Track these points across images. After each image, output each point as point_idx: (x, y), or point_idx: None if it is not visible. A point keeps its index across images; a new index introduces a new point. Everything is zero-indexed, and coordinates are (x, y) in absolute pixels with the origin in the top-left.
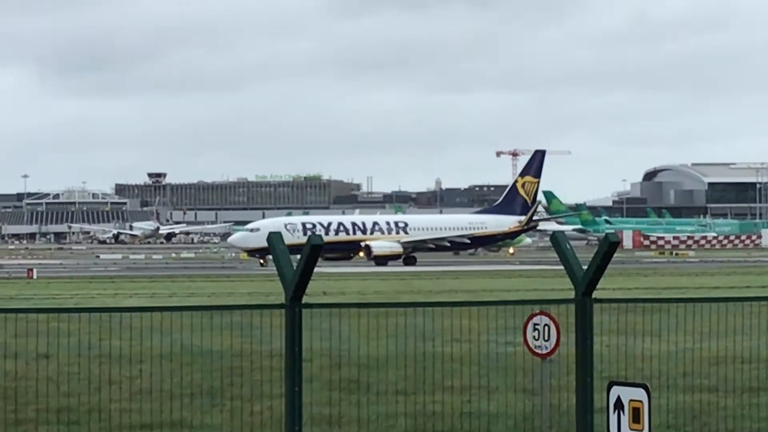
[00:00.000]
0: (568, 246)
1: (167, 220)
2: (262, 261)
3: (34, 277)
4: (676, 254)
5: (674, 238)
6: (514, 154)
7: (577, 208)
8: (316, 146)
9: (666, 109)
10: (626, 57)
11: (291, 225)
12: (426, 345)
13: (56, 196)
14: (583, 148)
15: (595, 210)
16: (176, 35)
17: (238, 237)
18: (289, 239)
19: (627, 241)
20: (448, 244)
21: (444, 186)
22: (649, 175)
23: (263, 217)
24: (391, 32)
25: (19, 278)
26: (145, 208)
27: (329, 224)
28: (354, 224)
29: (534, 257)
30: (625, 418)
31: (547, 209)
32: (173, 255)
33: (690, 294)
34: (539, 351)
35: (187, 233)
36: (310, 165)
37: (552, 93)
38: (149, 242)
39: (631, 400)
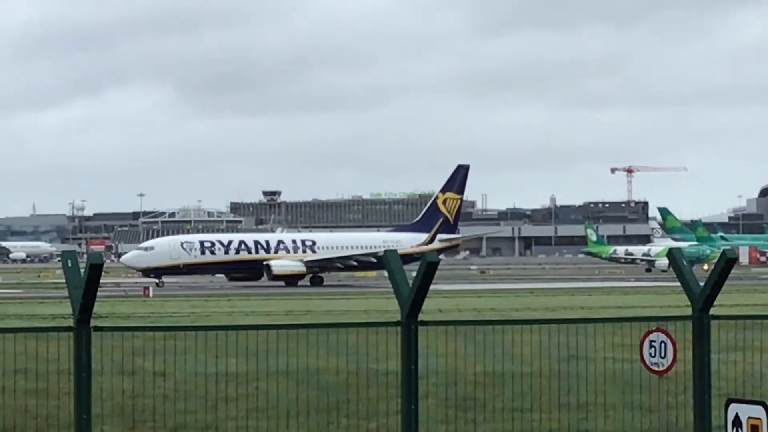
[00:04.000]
0: (684, 262)
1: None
2: (158, 281)
3: (150, 295)
4: None
5: None
6: (629, 171)
7: (693, 225)
8: (433, 164)
9: None
10: (747, 75)
11: (188, 243)
12: (542, 362)
13: (172, 214)
14: (699, 164)
15: (710, 226)
16: (312, 55)
17: (131, 256)
18: (186, 258)
19: (743, 257)
20: (355, 263)
21: (558, 203)
22: (766, 191)
23: None
24: (527, 51)
25: (135, 296)
26: (260, 227)
27: (230, 242)
28: (257, 243)
29: (649, 275)
30: None
31: (662, 225)
32: None
33: None
34: (656, 368)
35: None
36: (426, 182)
37: (672, 110)
38: None
39: (749, 418)
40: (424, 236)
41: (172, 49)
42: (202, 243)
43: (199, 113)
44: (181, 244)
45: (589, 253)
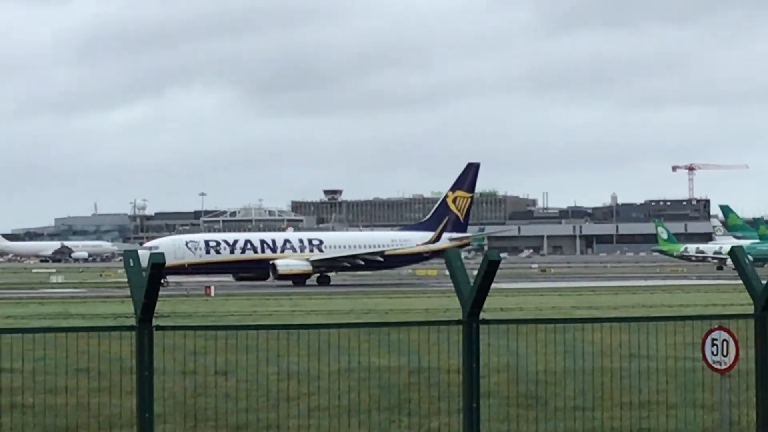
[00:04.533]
0: (747, 261)
1: None
2: (163, 281)
3: (212, 294)
4: None
5: None
6: (690, 169)
7: (755, 223)
8: (494, 162)
9: None
10: None
11: (193, 243)
12: (603, 360)
13: (233, 213)
14: (760, 162)
15: None
16: (375, 54)
17: None
18: (191, 258)
19: None
20: (362, 263)
21: (620, 201)
22: None
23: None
24: (588, 50)
25: (197, 296)
26: (320, 225)
27: (235, 242)
28: (263, 242)
29: (712, 273)
30: None
31: (724, 223)
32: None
33: None
34: (718, 366)
35: None
36: (487, 181)
37: (734, 108)
38: None
39: None
40: (432, 235)
41: (236, 48)
42: (207, 242)
43: (261, 113)
44: (186, 244)
45: (660, 251)
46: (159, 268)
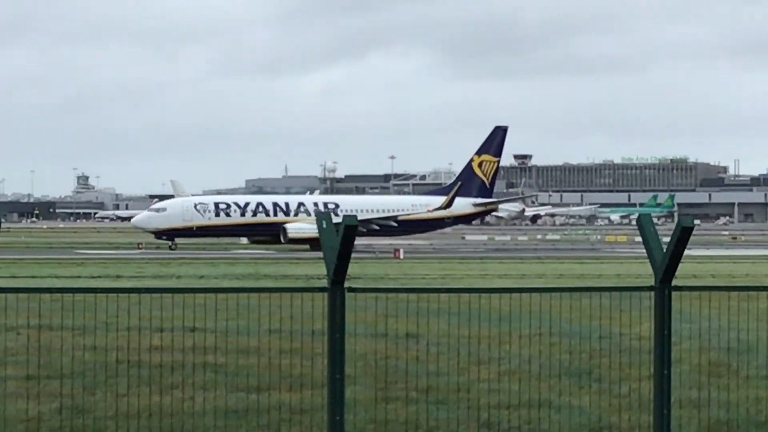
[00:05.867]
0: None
1: (532, 202)
2: (171, 244)
3: (401, 257)
4: None
5: None
6: None
7: None
8: (686, 128)
9: None
10: None
11: (202, 205)
12: None
13: (423, 177)
14: None
15: None
16: (572, 19)
17: (142, 217)
18: (200, 220)
19: None
20: (377, 228)
21: None
22: None
23: (629, 200)
24: None
25: (387, 258)
26: (510, 190)
27: (246, 204)
28: (276, 205)
29: None
30: None
31: None
32: (538, 237)
33: None
34: None
35: (552, 215)
36: (678, 147)
37: None
38: (514, 224)
39: None
40: (460, 200)
41: (436, 12)
42: (216, 205)
43: (455, 76)
44: (195, 206)
45: None
46: (353, 230)
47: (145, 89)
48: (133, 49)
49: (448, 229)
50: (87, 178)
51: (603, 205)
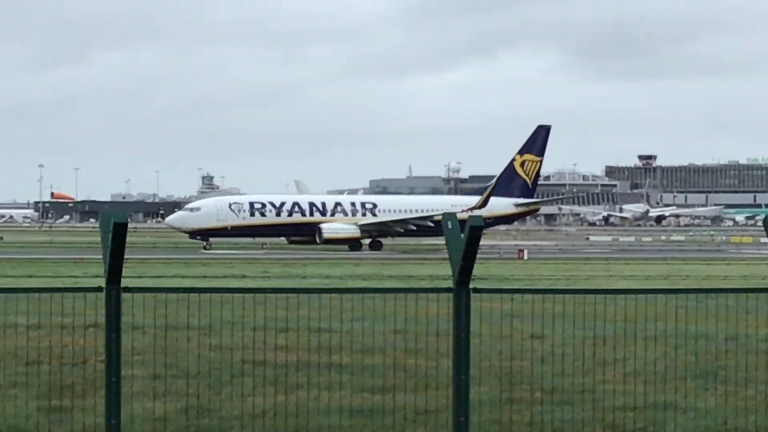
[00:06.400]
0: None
1: (657, 203)
2: (205, 245)
3: (525, 257)
4: None
5: None
6: None
7: None
8: None
9: None
10: None
11: (237, 205)
12: None
13: (547, 177)
14: None
15: None
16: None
17: (176, 217)
18: (234, 220)
19: None
20: (414, 228)
21: None
22: None
23: (754, 200)
24: None
25: (510, 259)
26: (634, 191)
27: (282, 204)
28: (312, 205)
29: None
30: None
31: None
32: (663, 238)
33: None
34: None
35: (677, 216)
36: None
37: None
38: (639, 225)
39: None
40: (498, 200)
41: (567, 12)
42: (252, 204)
43: (583, 77)
44: (230, 206)
45: None
46: (478, 230)
47: (272, 89)
48: (260, 50)
49: (572, 229)
50: (212, 178)
51: (728, 206)
